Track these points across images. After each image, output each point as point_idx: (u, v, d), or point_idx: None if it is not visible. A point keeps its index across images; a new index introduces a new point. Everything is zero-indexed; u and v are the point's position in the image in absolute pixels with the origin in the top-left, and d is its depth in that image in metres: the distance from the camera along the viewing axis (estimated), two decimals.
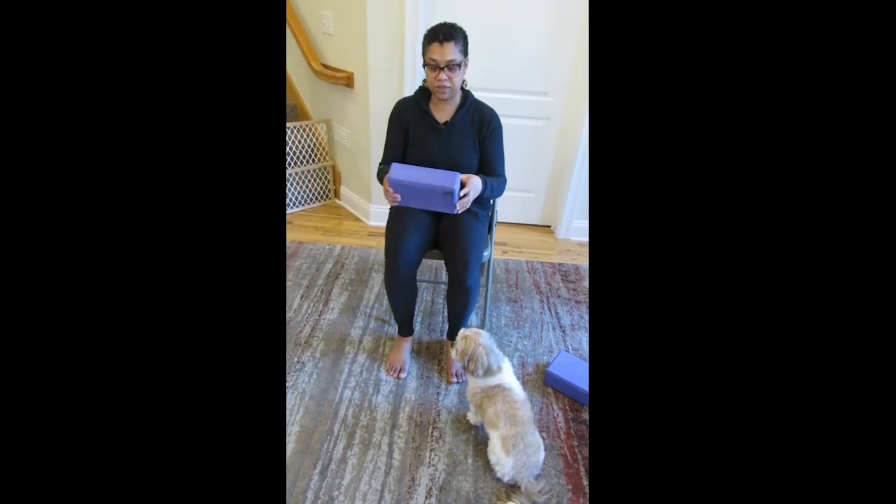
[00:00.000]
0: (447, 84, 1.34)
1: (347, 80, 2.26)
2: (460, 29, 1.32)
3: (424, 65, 1.35)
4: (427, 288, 2.02)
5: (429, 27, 1.39)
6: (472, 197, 1.32)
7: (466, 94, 1.47)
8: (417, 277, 1.51)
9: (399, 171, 1.27)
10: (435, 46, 1.30)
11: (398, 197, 1.30)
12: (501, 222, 2.59)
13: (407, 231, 1.40)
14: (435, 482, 1.26)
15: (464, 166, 1.42)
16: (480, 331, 1.33)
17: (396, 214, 1.45)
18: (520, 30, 2.08)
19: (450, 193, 1.26)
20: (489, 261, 1.63)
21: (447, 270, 1.42)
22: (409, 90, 2.08)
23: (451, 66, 1.31)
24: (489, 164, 1.47)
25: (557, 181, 2.43)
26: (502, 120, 1.54)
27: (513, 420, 1.23)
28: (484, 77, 2.16)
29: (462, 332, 1.32)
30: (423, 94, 1.47)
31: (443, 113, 1.47)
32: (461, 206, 1.31)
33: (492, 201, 1.56)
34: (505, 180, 1.50)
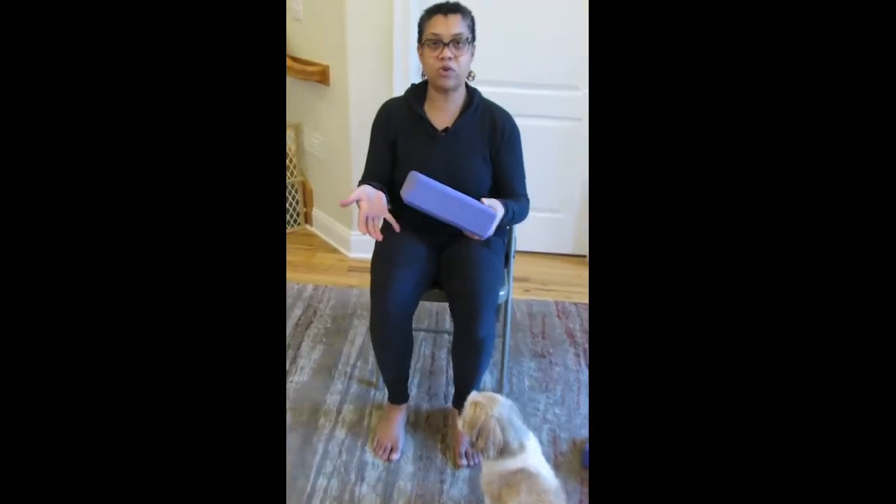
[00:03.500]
0: (452, 65, 1.35)
1: (321, 76, 2.33)
2: (467, 7, 1.38)
3: (422, 44, 1.37)
4: (426, 339, 2.04)
5: (425, 7, 1.44)
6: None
7: (473, 93, 1.49)
8: (413, 326, 1.49)
9: (417, 193, 1.29)
10: (438, 19, 1.34)
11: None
12: (522, 251, 2.58)
13: (399, 265, 1.42)
14: None
15: (473, 186, 1.41)
16: (496, 396, 1.33)
17: (386, 244, 1.45)
18: (541, 10, 2.11)
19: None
20: (506, 303, 1.62)
21: (452, 316, 1.44)
22: (400, 87, 2.11)
23: (458, 42, 1.34)
24: (507, 184, 1.49)
25: None
26: (519, 121, 1.53)
27: None
28: (496, 69, 2.19)
29: (472, 397, 1.31)
30: (417, 94, 1.49)
31: (443, 115, 1.46)
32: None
33: (509, 227, 1.59)
34: (528, 201, 1.52)
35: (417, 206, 1.30)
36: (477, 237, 1.33)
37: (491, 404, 1.29)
